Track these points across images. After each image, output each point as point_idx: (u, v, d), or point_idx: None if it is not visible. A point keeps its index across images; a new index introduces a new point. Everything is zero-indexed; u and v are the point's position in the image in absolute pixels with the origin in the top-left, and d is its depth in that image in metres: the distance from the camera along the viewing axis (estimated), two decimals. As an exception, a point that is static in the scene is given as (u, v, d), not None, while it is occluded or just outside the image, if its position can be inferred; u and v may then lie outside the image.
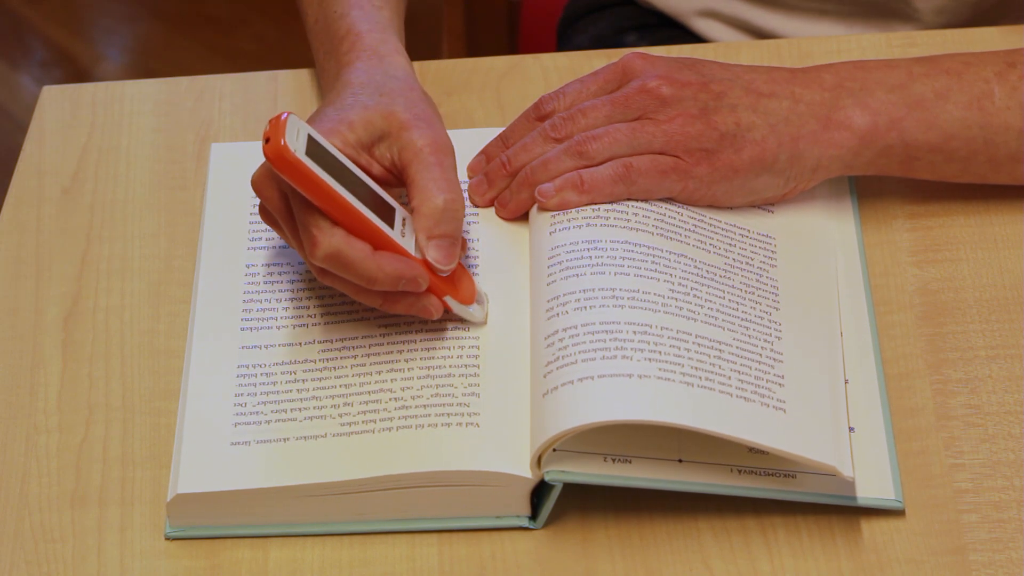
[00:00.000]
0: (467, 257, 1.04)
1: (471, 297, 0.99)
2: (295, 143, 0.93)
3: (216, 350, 1.01)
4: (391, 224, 0.97)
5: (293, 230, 0.98)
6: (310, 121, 1.01)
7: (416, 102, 1.02)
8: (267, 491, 0.95)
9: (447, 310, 0.99)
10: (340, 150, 0.98)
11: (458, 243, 0.99)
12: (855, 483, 0.95)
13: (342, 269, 0.96)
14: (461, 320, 1.00)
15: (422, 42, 1.45)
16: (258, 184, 0.98)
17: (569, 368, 0.94)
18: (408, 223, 0.98)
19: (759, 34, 1.34)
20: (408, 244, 0.97)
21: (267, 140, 0.93)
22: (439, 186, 0.98)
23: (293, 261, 1.05)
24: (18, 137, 1.42)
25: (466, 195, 1.07)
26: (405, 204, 1.00)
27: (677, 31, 1.39)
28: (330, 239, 0.95)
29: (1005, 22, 1.26)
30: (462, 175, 1.08)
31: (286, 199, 0.97)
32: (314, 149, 0.94)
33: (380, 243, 0.96)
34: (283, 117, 0.93)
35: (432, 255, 0.97)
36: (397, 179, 1.01)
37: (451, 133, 1.11)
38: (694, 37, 1.37)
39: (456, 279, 0.99)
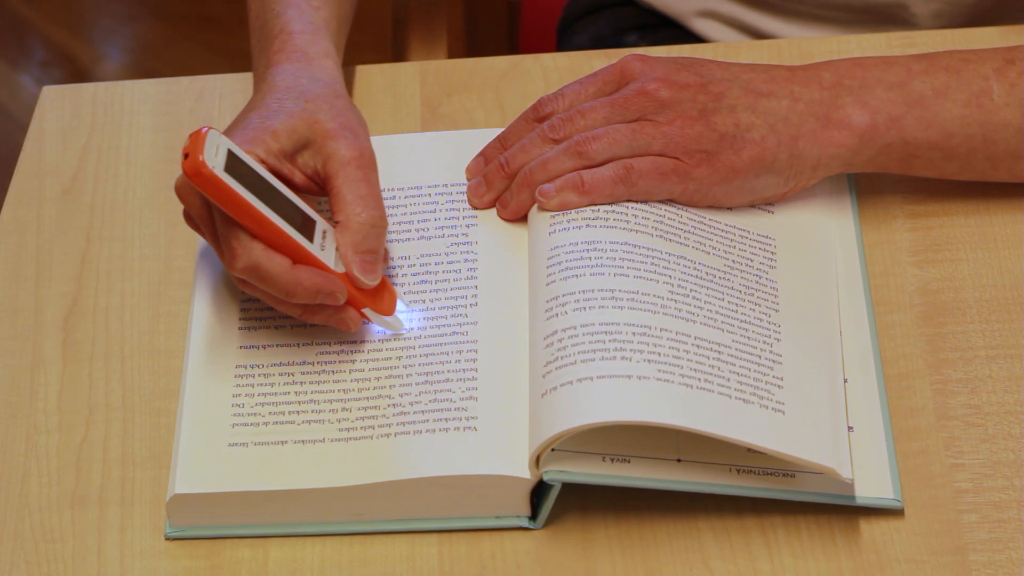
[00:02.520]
0: (466, 257, 1.04)
1: (391, 308, 1.00)
2: (214, 159, 0.93)
3: (215, 350, 1.01)
4: (311, 238, 0.97)
5: (215, 239, 0.98)
6: (233, 126, 1.01)
7: (342, 110, 1.02)
8: (265, 493, 0.95)
9: (367, 320, 1.00)
10: (262, 160, 0.98)
11: (381, 258, 0.99)
12: (854, 483, 0.95)
13: (260, 282, 0.96)
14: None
15: (422, 42, 1.45)
16: (180, 191, 0.98)
17: (568, 369, 0.94)
18: (329, 236, 0.99)
19: (758, 36, 1.34)
20: (328, 257, 0.98)
21: (186, 156, 0.93)
22: (365, 202, 0.98)
23: (293, 261, 1.05)
24: (18, 137, 1.42)
25: (464, 196, 1.06)
26: (325, 212, 1.00)
27: (677, 31, 1.39)
28: (249, 252, 0.95)
29: (1001, 25, 1.26)
30: (460, 178, 1.08)
31: (208, 207, 0.97)
32: (234, 164, 0.95)
33: (299, 257, 0.96)
34: (203, 131, 0.94)
35: (356, 270, 0.98)
36: (320, 188, 1.01)
37: (451, 133, 1.12)
38: (694, 37, 1.37)
39: (377, 290, 0.99)
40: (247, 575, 0.96)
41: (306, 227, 0.97)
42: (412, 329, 1.00)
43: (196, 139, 0.93)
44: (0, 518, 0.99)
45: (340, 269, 0.98)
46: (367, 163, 1.00)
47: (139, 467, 1.00)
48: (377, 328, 1.00)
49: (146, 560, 0.97)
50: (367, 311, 0.99)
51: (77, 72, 2.43)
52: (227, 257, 0.96)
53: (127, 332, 1.06)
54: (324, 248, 0.98)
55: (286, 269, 0.96)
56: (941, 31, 1.20)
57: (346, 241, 0.98)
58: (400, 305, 1.01)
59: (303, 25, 1.07)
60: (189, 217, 1.00)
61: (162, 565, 0.97)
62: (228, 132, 1.00)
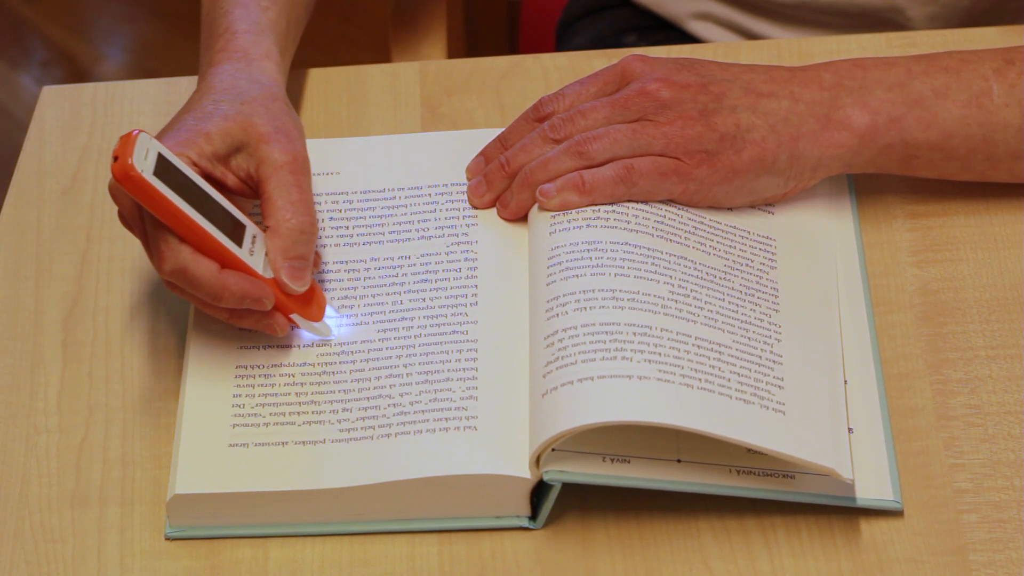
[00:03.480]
0: (466, 257, 1.04)
1: (319, 314, 1.00)
2: (143, 163, 0.93)
3: (215, 350, 1.01)
4: (239, 243, 0.97)
5: (145, 240, 0.98)
6: (168, 127, 1.01)
7: (278, 114, 1.02)
8: (266, 494, 0.95)
9: (296, 326, 1.00)
10: (195, 162, 0.98)
11: (311, 265, 0.99)
12: (854, 484, 0.95)
13: (188, 285, 0.96)
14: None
15: (422, 42, 1.45)
16: (112, 193, 0.98)
17: (568, 368, 0.94)
18: (259, 241, 0.99)
19: (753, 38, 1.34)
20: (257, 262, 0.98)
21: (115, 159, 0.93)
22: (296, 208, 0.98)
23: (293, 261, 1.05)
24: (18, 137, 1.42)
25: (465, 196, 1.07)
26: (256, 216, 1.00)
27: (675, 32, 1.39)
28: (176, 256, 0.96)
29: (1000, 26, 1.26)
30: (461, 177, 1.08)
31: (140, 209, 0.97)
32: (163, 168, 0.95)
33: (227, 261, 0.97)
34: (134, 134, 0.94)
35: (285, 276, 0.98)
36: (253, 191, 1.01)
37: (451, 133, 1.12)
38: (691, 39, 1.37)
39: (306, 296, 1.00)
40: (247, 575, 0.96)
41: (235, 232, 0.97)
42: (340, 336, 1.01)
43: (126, 142, 0.93)
44: (0, 518, 0.99)
45: (269, 274, 0.98)
46: (300, 168, 1.00)
47: (139, 467, 1.00)
48: (305, 334, 1.01)
49: (146, 560, 0.97)
50: (295, 317, 0.99)
51: (77, 72, 2.43)
52: (155, 259, 0.97)
53: (127, 332, 1.06)
54: (253, 253, 0.98)
55: (213, 273, 0.96)
56: (941, 31, 1.20)
57: (275, 247, 0.98)
58: (330, 311, 1.01)
59: (248, 25, 1.07)
60: (123, 217, 1.00)
61: (162, 565, 0.97)
62: (162, 133, 1.01)
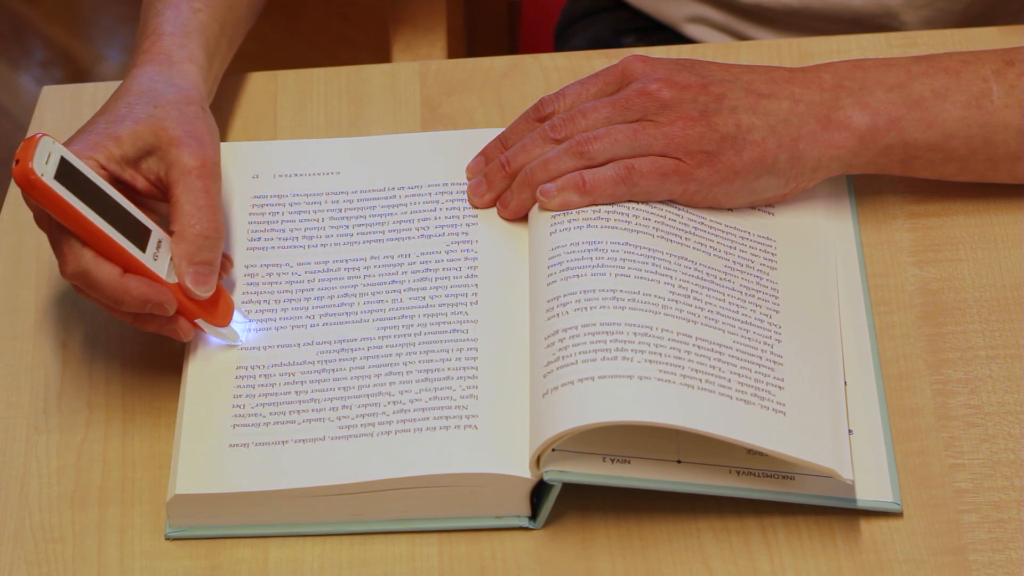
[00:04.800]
0: (466, 255, 1.04)
1: (226, 319, 1.00)
2: (43, 166, 0.94)
3: (215, 351, 1.01)
4: (143, 248, 0.97)
5: (52, 242, 0.99)
6: (81, 130, 1.01)
7: (191, 118, 1.02)
8: (266, 494, 0.95)
9: (200, 331, 1.00)
10: (103, 165, 0.99)
11: (216, 270, 0.99)
12: (854, 485, 0.95)
13: (89, 288, 0.97)
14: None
15: (422, 42, 1.45)
16: (25, 196, 0.98)
17: (569, 368, 0.94)
18: (164, 246, 0.99)
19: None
20: (161, 267, 0.98)
21: (16, 162, 0.94)
22: (202, 213, 0.99)
23: (292, 262, 1.05)
24: (18, 137, 1.42)
25: (465, 196, 1.07)
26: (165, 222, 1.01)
27: (674, 34, 1.39)
28: (78, 259, 0.96)
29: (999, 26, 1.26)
30: (461, 177, 1.08)
31: (46, 212, 0.98)
32: (65, 171, 0.95)
33: (129, 266, 0.97)
34: (36, 138, 0.94)
35: (189, 281, 0.98)
36: (163, 195, 1.01)
37: (451, 133, 1.12)
38: (688, 41, 1.37)
39: (212, 301, 1.00)
40: (247, 575, 0.96)
41: (139, 237, 0.97)
42: (247, 341, 1.01)
43: (28, 146, 0.94)
44: (0, 518, 0.99)
45: (173, 279, 0.98)
46: (208, 173, 1.00)
47: (139, 467, 1.00)
48: (213, 339, 1.01)
49: (146, 560, 0.97)
50: (200, 322, 0.99)
51: (77, 72, 2.43)
52: (59, 262, 0.97)
53: (127, 332, 1.06)
54: (157, 258, 0.98)
55: (114, 278, 0.96)
56: (941, 31, 1.20)
57: (180, 252, 0.98)
58: (238, 316, 1.01)
59: (175, 27, 1.07)
60: (37, 221, 1.00)
61: (162, 565, 0.97)
62: (74, 136, 1.01)
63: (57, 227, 0.97)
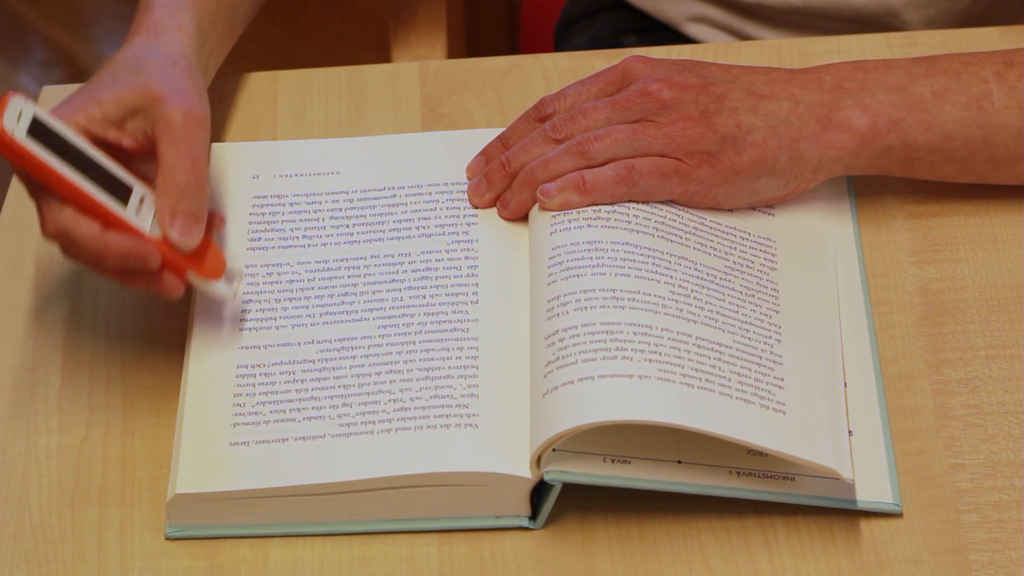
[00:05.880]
0: (466, 255, 1.04)
1: (217, 272, 0.99)
2: (13, 124, 0.94)
3: (215, 350, 1.01)
4: (124, 202, 0.97)
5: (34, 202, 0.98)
6: (64, 100, 1.00)
7: (177, 77, 1.01)
8: (266, 492, 0.95)
9: (191, 287, 0.99)
10: (84, 127, 0.98)
11: (201, 221, 0.98)
12: (854, 486, 0.95)
13: (70, 247, 0.96)
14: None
15: (422, 42, 1.45)
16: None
17: (569, 368, 0.94)
18: (148, 202, 0.98)
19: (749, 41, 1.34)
20: (144, 222, 0.97)
21: None
22: (182, 164, 0.98)
23: (292, 261, 1.05)
24: (18, 137, 1.42)
25: (465, 195, 1.07)
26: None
27: (674, 33, 1.39)
28: (58, 217, 0.96)
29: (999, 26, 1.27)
30: (461, 176, 1.08)
31: (29, 178, 0.97)
32: (39, 129, 0.95)
33: (110, 222, 0.96)
34: (6, 96, 0.94)
35: (174, 234, 0.97)
36: (152, 154, 1.00)
37: (451, 133, 1.12)
38: (689, 41, 1.37)
39: (200, 255, 0.98)
40: (247, 575, 0.96)
41: (119, 193, 0.97)
42: (239, 296, 0.99)
43: None
44: (0, 518, 0.99)
45: (157, 234, 0.97)
46: (193, 125, 0.99)
47: (139, 467, 1.00)
48: (207, 293, 0.99)
49: (146, 560, 0.97)
50: (190, 275, 0.98)
51: (77, 72, 2.43)
52: (39, 222, 0.97)
53: (127, 332, 1.06)
54: (140, 213, 0.97)
55: (94, 234, 0.95)
56: (942, 31, 1.20)
57: (162, 203, 0.97)
58: (230, 271, 1.00)
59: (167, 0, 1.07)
60: (20, 181, 0.99)
61: (162, 565, 0.97)
62: (59, 104, 1.00)
63: (36, 186, 0.96)
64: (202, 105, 1.01)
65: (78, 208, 0.96)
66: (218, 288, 0.99)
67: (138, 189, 0.98)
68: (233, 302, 1.01)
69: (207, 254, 0.99)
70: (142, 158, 1.01)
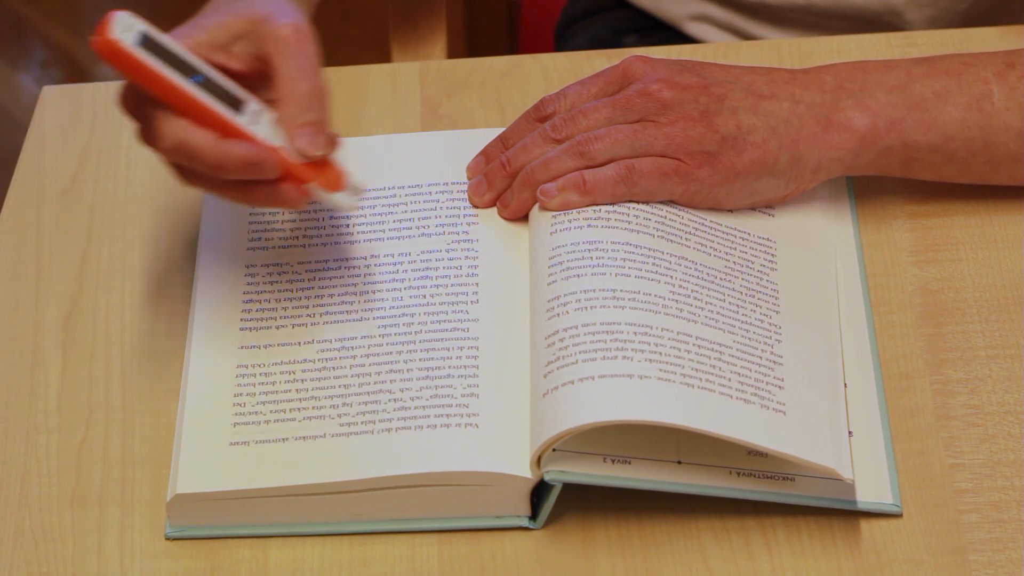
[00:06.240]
0: (467, 254, 1.04)
1: (336, 183, 0.97)
2: (124, 35, 0.93)
3: (215, 350, 1.01)
4: (238, 111, 0.96)
5: (144, 123, 0.97)
6: (169, 32, 0.99)
7: (274, 1, 1.00)
8: (266, 491, 0.95)
9: (311, 198, 0.97)
10: (191, 50, 0.97)
11: (323, 129, 0.97)
12: (854, 486, 0.95)
13: (188, 159, 0.95)
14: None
15: (422, 42, 1.45)
16: (118, 91, 0.97)
17: (569, 368, 0.94)
18: (263, 114, 0.97)
19: (750, 40, 1.34)
20: (261, 132, 0.96)
21: (95, 36, 0.93)
22: (303, 74, 0.97)
23: (292, 261, 1.05)
24: (18, 137, 1.42)
25: (465, 195, 1.07)
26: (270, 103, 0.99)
27: (674, 33, 1.39)
28: (173, 129, 0.94)
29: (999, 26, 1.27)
30: (461, 176, 1.08)
31: (136, 92, 0.96)
32: (148, 42, 0.94)
33: (227, 131, 0.95)
34: (111, 13, 0.93)
35: (299, 143, 0.96)
36: (263, 75, 0.99)
37: (451, 133, 1.12)
38: (690, 41, 1.37)
39: (320, 167, 0.97)
40: (247, 575, 0.96)
41: (233, 102, 0.96)
42: (360, 204, 0.98)
43: (104, 20, 0.93)
44: (0, 518, 0.99)
45: (275, 143, 0.96)
46: (304, 37, 0.98)
47: (139, 467, 1.00)
48: (327, 202, 0.97)
49: (146, 560, 0.97)
50: (312, 188, 0.97)
51: (77, 72, 2.43)
52: (153, 138, 0.95)
53: (127, 332, 1.07)
54: (257, 124, 0.96)
55: (212, 142, 0.94)
56: (941, 31, 1.20)
57: (288, 113, 0.96)
58: (350, 183, 0.98)
59: None
60: (122, 104, 0.98)
61: (162, 565, 0.97)
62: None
63: (146, 101, 0.95)
64: (306, 22, 0.99)
65: (194, 119, 0.94)
66: (341, 199, 0.98)
67: (251, 102, 0.97)
68: (354, 212, 0.99)
69: (327, 165, 0.97)
70: (249, 81, 0.99)
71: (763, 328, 0.99)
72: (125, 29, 0.93)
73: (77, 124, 1.18)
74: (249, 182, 0.96)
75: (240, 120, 0.95)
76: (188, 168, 0.96)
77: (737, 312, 0.99)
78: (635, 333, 0.95)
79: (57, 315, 1.08)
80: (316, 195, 0.97)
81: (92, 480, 1.00)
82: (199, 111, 0.94)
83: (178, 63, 0.95)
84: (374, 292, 1.03)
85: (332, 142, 0.97)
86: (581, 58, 1.20)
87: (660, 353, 0.95)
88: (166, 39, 0.95)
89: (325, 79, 0.97)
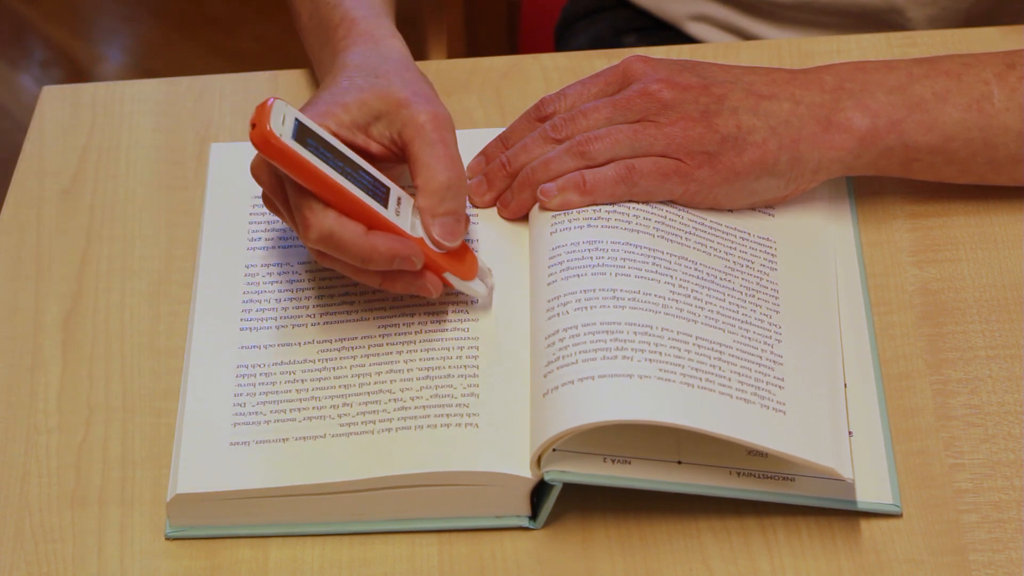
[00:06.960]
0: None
1: (472, 272, 0.99)
2: (280, 127, 0.94)
3: (216, 350, 1.01)
4: (384, 204, 0.97)
5: (290, 215, 0.98)
6: (304, 107, 1.01)
7: (413, 80, 1.01)
8: (266, 491, 0.95)
9: (448, 287, 0.99)
10: (333, 132, 0.98)
11: (462, 220, 0.99)
12: (854, 486, 0.95)
13: (336, 250, 0.96)
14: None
15: (422, 42, 1.45)
16: (255, 170, 0.98)
17: (569, 368, 0.94)
18: (405, 202, 0.98)
19: (751, 39, 1.34)
20: (404, 223, 0.97)
21: (253, 126, 0.94)
22: (443, 163, 0.98)
23: (292, 261, 1.05)
24: (18, 137, 1.42)
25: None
26: (407, 186, 1.00)
27: (674, 33, 1.39)
28: (322, 221, 0.95)
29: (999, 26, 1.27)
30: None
31: (282, 184, 0.97)
32: (302, 132, 0.95)
33: (373, 223, 0.96)
34: (269, 103, 0.94)
35: (437, 232, 0.98)
36: (398, 157, 1.01)
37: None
38: (690, 40, 1.37)
39: (457, 255, 0.99)
40: (247, 575, 0.96)
41: (379, 193, 0.97)
42: (489, 295, 1.00)
43: (262, 110, 0.93)
44: (0, 518, 0.99)
45: (416, 234, 0.97)
46: (443, 125, 0.99)
47: (139, 467, 1.00)
48: (460, 290, 0.99)
49: (146, 560, 0.97)
50: (449, 276, 0.98)
51: (77, 72, 2.43)
52: (301, 228, 0.96)
53: (127, 332, 1.06)
54: (399, 214, 0.97)
55: (360, 235, 0.95)
56: (941, 31, 1.20)
57: (425, 204, 0.98)
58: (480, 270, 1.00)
59: (365, 11, 1.07)
60: (266, 198, 1.00)
61: (162, 565, 0.97)
62: (303, 107, 1.00)
63: (296, 192, 0.96)
64: (444, 108, 1.01)
65: (342, 210, 0.95)
66: (475, 287, 1.00)
67: (395, 190, 0.98)
68: (486, 300, 1.01)
69: (464, 254, 0.99)
70: (385, 161, 1.01)
71: (763, 328, 0.99)
72: (281, 120, 0.94)
73: (77, 124, 1.18)
74: (391, 271, 0.97)
75: (388, 213, 0.96)
76: (331, 257, 0.97)
77: (737, 312, 0.99)
78: (635, 333, 0.95)
79: (57, 315, 1.08)
80: (452, 283, 0.99)
81: (92, 480, 1.00)
82: (350, 203, 0.95)
83: (329, 154, 0.95)
84: (374, 292, 1.03)
85: (466, 230, 0.99)
86: (581, 58, 1.20)
87: (660, 353, 0.95)
88: (317, 128, 0.96)
89: (462, 169, 0.98)
